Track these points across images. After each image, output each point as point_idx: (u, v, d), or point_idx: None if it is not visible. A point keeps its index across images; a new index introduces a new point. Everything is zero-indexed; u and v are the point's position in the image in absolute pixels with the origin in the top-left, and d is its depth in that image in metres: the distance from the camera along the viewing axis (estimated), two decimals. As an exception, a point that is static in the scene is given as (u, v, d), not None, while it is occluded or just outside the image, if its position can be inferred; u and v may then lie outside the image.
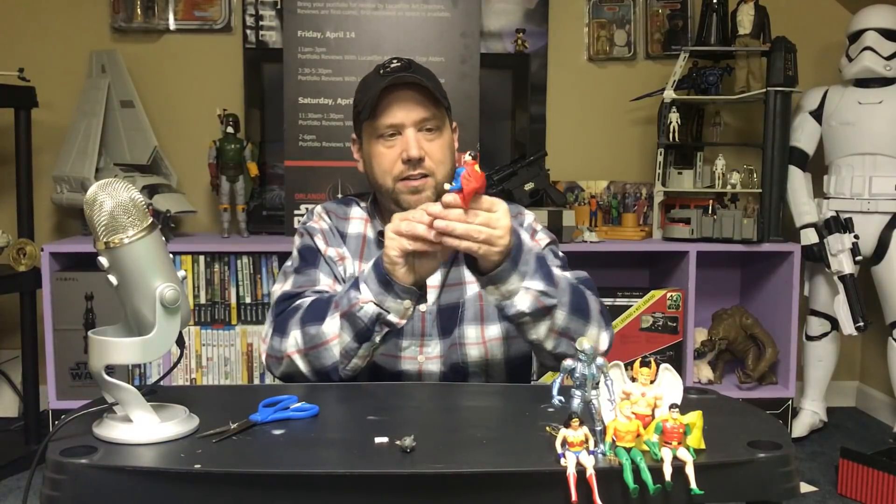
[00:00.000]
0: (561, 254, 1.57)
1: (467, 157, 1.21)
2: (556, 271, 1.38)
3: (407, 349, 1.50)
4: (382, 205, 1.57)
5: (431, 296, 1.50)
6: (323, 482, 0.94)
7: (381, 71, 1.50)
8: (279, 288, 1.51)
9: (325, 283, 1.49)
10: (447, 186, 1.22)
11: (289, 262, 1.55)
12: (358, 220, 1.59)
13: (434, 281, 1.49)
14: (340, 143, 2.90)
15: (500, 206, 1.26)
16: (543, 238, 1.57)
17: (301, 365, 1.38)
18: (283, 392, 1.20)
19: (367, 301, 1.30)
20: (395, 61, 1.50)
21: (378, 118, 1.47)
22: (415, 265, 1.29)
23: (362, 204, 1.61)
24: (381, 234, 1.51)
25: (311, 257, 1.53)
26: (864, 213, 2.92)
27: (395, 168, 1.47)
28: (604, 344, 1.41)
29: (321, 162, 2.91)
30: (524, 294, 1.29)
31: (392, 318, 1.31)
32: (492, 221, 1.24)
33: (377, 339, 1.33)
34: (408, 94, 1.46)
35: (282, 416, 1.12)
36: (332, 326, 1.34)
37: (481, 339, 1.50)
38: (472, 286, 1.52)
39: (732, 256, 3.29)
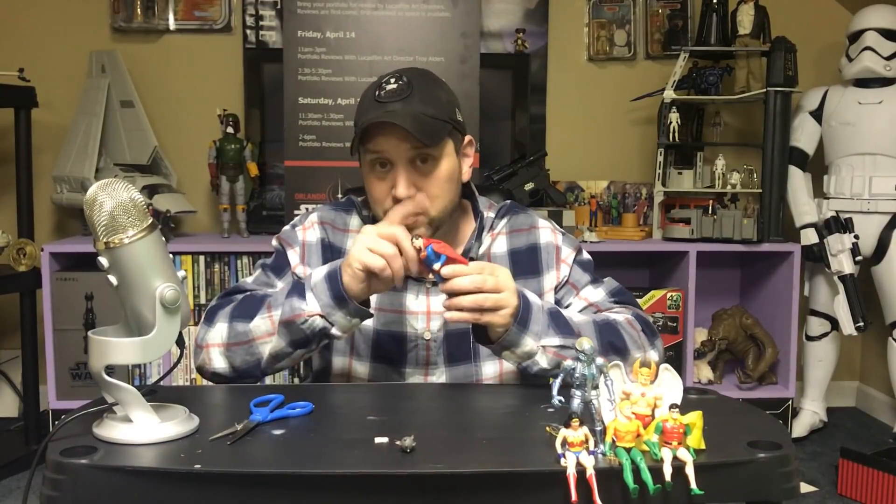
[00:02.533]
0: (587, 257, 1.52)
1: (418, 242, 1.21)
2: (578, 317, 1.35)
3: (410, 378, 1.44)
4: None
5: (437, 322, 1.42)
6: (323, 482, 0.94)
7: (377, 92, 1.36)
8: (247, 278, 1.48)
9: None
10: (437, 266, 1.21)
11: (265, 259, 1.50)
12: (358, 233, 1.47)
13: (440, 306, 1.40)
14: (340, 143, 2.90)
15: (503, 270, 1.26)
16: (568, 252, 1.49)
17: (216, 360, 1.33)
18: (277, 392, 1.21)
19: (312, 314, 1.25)
20: (392, 81, 1.36)
21: (367, 148, 1.36)
22: (371, 283, 1.25)
23: (364, 212, 1.49)
24: None
25: (279, 262, 1.47)
26: (864, 213, 2.92)
27: (387, 202, 1.37)
28: (655, 359, 1.36)
29: (321, 162, 2.91)
30: (542, 353, 1.28)
31: (335, 331, 1.27)
32: (500, 285, 1.23)
33: (314, 347, 1.30)
34: (396, 128, 1.32)
35: (283, 415, 1.12)
36: (261, 325, 1.29)
37: (499, 376, 1.44)
38: None
39: (732, 256, 3.29)
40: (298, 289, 1.28)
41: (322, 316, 1.25)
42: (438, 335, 1.43)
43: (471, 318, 1.23)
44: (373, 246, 1.22)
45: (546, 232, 1.50)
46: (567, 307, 1.46)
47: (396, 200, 1.35)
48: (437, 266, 1.21)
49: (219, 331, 1.33)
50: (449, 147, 1.39)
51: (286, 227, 1.51)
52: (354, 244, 1.25)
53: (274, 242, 1.50)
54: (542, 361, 1.28)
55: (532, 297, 1.30)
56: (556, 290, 1.47)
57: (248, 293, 1.38)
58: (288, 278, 1.44)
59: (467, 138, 1.45)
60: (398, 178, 1.34)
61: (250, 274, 1.50)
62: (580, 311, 1.43)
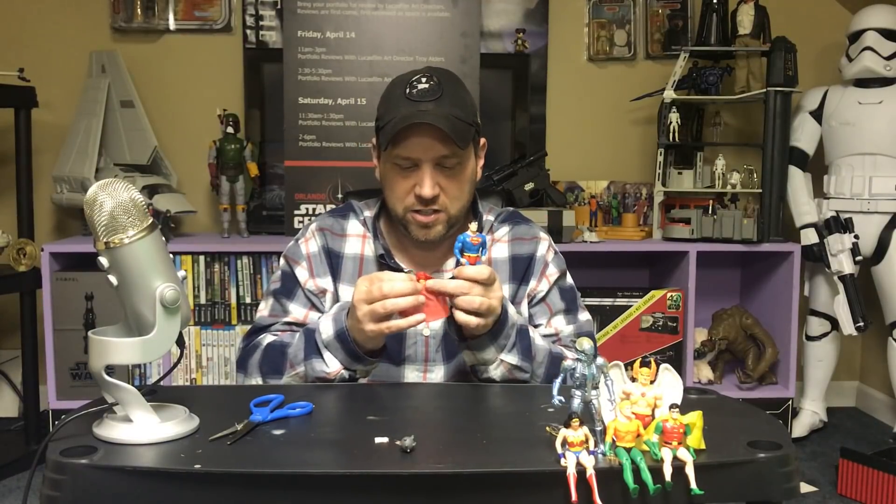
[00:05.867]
0: (570, 284, 1.54)
1: (474, 228, 1.25)
2: (538, 342, 1.39)
3: (409, 374, 1.47)
4: (391, 217, 1.49)
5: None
6: (323, 482, 0.94)
7: (408, 90, 1.38)
8: (261, 308, 1.52)
9: (297, 314, 1.47)
10: (463, 260, 1.24)
11: (274, 283, 1.52)
12: (355, 237, 1.51)
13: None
14: (340, 143, 2.90)
15: (496, 277, 1.29)
16: (553, 271, 1.53)
17: None
18: (277, 392, 1.21)
19: (336, 372, 1.32)
20: (423, 80, 1.38)
21: (396, 148, 1.38)
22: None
23: (363, 215, 1.53)
24: (381, 257, 1.47)
25: (289, 285, 1.49)
26: (864, 213, 2.92)
27: (408, 199, 1.41)
28: None
29: (321, 162, 2.91)
30: (498, 364, 1.34)
31: (360, 374, 1.35)
32: (492, 292, 1.26)
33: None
34: (429, 129, 1.35)
35: (283, 415, 1.12)
36: (291, 381, 1.36)
37: None
38: None
39: (732, 256, 3.29)
40: (313, 346, 1.33)
41: (345, 367, 1.32)
42: (438, 332, 1.46)
43: (467, 321, 1.25)
44: (373, 313, 1.24)
45: (544, 245, 1.54)
46: (537, 327, 1.50)
47: (419, 198, 1.39)
48: (462, 262, 1.25)
49: (257, 384, 1.39)
50: (470, 149, 1.43)
51: (290, 244, 1.54)
52: (357, 318, 1.25)
53: (281, 262, 1.53)
54: (494, 372, 1.34)
55: (511, 310, 1.35)
56: (531, 302, 1.51)
57: (269, 343, 1.42)
58: (301, 299, 1.48)
59: (482, 140, 1.49)
60: (424, 179, 1.38)
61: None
62: (544, 336, 1.48)
